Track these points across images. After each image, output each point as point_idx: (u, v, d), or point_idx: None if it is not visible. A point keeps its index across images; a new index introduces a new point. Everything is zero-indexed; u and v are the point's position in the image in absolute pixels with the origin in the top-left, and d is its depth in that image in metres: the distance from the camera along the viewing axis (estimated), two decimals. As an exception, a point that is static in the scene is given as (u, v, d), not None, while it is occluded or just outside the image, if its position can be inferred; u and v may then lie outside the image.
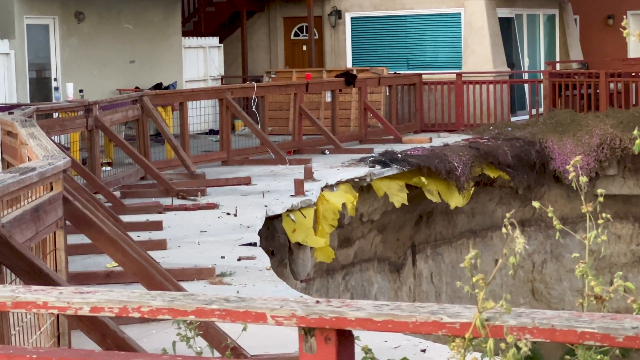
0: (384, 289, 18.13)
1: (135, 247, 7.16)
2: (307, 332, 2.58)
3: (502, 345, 2.18)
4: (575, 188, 17.99)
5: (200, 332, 3.82)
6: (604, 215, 2.75)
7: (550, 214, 2.73)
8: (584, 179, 2.80)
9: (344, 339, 2.58)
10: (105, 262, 10.07)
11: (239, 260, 10.47)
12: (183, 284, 8.29)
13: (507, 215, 2.43)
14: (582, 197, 2.72)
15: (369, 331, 2.50)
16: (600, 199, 2.76)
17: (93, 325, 5.12)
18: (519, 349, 2.13)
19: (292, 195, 14.15)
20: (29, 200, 5.77)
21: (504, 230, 2.48)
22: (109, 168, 16.48)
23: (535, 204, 2.75)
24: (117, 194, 14.29)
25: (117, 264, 9.21)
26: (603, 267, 20.82)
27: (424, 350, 6.90)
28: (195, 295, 2.75)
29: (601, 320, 2.28)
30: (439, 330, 2.39)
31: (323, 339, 2.56)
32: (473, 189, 18.67)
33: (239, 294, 2.78)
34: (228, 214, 13.13)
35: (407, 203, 17.29)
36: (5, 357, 2.86)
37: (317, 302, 2.61)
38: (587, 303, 2.51)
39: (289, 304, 2.61)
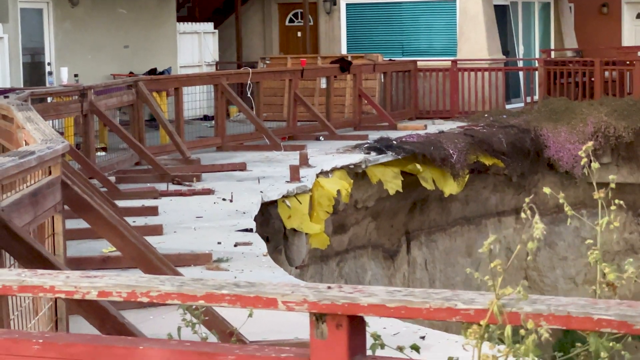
0: (378, 276, 18.12)
1: (133, 232, 7.13)
2: (318, 318, 2.55)
3: (522, 331, 2.16)
4: (569, 175, 17.88)
5: (206, 318, 3.79)
6: (616, 201, 2.72)
7: (561, 200, 2.70)
8: (595, 165, 2.78)
9: (356, 325, 2.55)
10: (100, 247, 10.03)
11: (235, 246, 10.44)
12: (180, 270, 8.26)
13: (527, 200, 2.40)
14: (594, 183, 2.70)
15: (379, 317, 2.47)
16: (612, 185, 2.73)
17: (93, 311, 5.09)
18: (539, 335, 2.11)
19: (288, 182, 14.12)
20: (27, 184, 5.73)
21: (522, 215, 2.45)
22: (103, 153, 16.42)
23: (546, 189, 2.72)
24: (112, 179, 14.24)
25: (113, 250, 9.19)
26: (596, 255, 20.83)
27: (423, 337, 6.89)
28: (204, 280, 2.72)
29: (617, 307, 2.25)
30: (453, 316, 2.37)
31: (334, 325, 2.53)
32: (468, 176, 18.65)
33: (247, 280, 2.75)
34: (224, 199, 13.10)
35: (401, 190, 17.26)
36: (10, 342, 2.84)
37: (329, 287, 2.58)
38: (600, 290, 2.49)
39: (300, 290, 2.58)
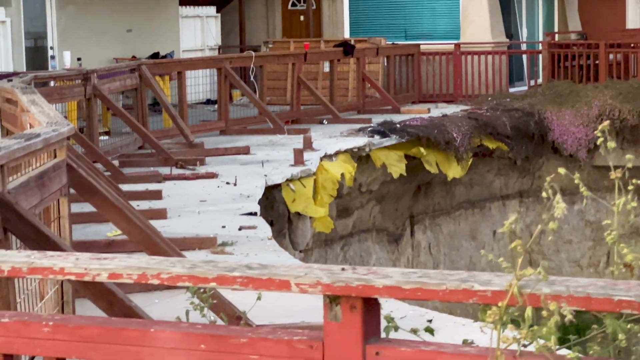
0: (382, 260, 18.10)
1: (138, 215, 7.11)
2: (332, 300, 2.52)
3: (544, 313, 2.12)
4: (574, 159, 17.78)
5: (214, 301, 3.76)
6: (634, 181, 2.68)
7: (577, 181, 2.66)
8: (611, 145, 2.74)
9: (370, 307, 2.52)
10: (105, 231, 10.01)
11: (240, 229, 10.41)
12: (185, 254, 8.23)
13: (547, 179, 2.36)
14: (611, 164, 2.66)
15: (396, 299, 2.44)
16: (630, 164, 2.69)
17: (100, 294, 5.06)
18: (562, 317, 2.08)
19: (292, 165, 14.08)
20: (33, 167, 5.70)
21: (544, 194, 2.42)
22: (106, 137, 16.38)
23: (561, 170, 2.68)
24: (116, 163, 14.21)
25: (118, 233, 9.17)
26: (601, 238, 20.81)
27: (430, 321, 6.86)
28: (215, 262, 2.69)
29: (638, 288, 2.22)
30: (470, 298, 2.33)
31: (348, 307, 2.50)
32: (471, 159, 18.62)
33: (260, 263, 2.72)
34: (227, 183, 13.06)
35: (405, 174, 17.23)
36: (20, 324, 2.80)
37: (343, 269, 2.55)
38: (618, 271, 2.46)
39: (314, 272, 2.54)
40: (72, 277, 2.71)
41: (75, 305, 6.42)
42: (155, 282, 2.66)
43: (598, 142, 2.70)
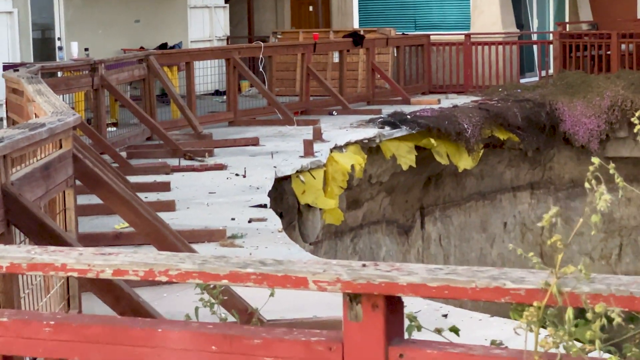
0: (392, 252, 17.94)
1: (146, 207, 6.94)
2: (352, 298, 2.35)
3: (589, 315, 1.95)
4: (585, 150, 17.57)
5: (225, 297, 3.60)
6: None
7: (611, 171, 2.49)
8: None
9: (393, 306, 2.35)
10: (113, 223, 9.86)
11: (249, 222, 10.25)
12: (193, 246, 8.07)
13: (591, 168, 2.19)
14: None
15: (422, 298, 2.27)
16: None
17: (106, 288, 4.90)
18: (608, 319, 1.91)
19: (301, 156, 13.91)
20: (38, 158, 5.54)
21: (586, 185, 2.25)
22: (114, 129, 16.23)
23: (595, 159, 2.51)
24: (123, 154, 14.06)
25: (125, 225, 9.01)
26: (613, 230, 20.63)
27: (445, 316, 6.69)
28: (227, 258, 2.52)
29: (685, 286, 2.05)
30: (502, 297, 2.17)
31: (370, 305, 2.33)
32: (482, 151, 18.44)
33: (273, 257, 2.55)
34: (237, 174, 12.90)
35: (414, 165, 17.06)
36: (20, 323, 2.65)
37: (364, 265, 2.38)
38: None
39: (333, 268, 2.38)
40: (75, 274, 2.55)
41: (82, 299, 6.27)
42: (164, 279, 2.49)
43: (636, 130, 2.52)
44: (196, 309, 3.43)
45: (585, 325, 1.94)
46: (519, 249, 2.64)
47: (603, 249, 20.59)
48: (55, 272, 2.58)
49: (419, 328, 2.57)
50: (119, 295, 4.84)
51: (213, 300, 3.36)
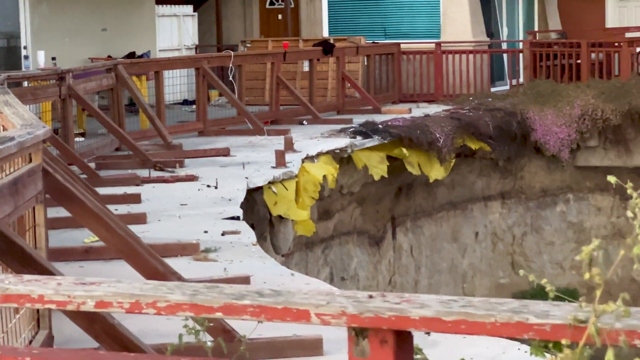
0: (364, 263, 17.77)
1: (118, 222, 6.72)
2: (359, 333, 2.16)
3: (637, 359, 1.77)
4: (556, 159, 17.46)
5: (211, 324, 3.39)
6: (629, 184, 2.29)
7: (629, 191, 2.31)
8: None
9: (403, 341, 2.16)
10: (82, 237, 9.61)
11: (223, 235, 10.03)
12: (166, 261, 7.84)
13: (629, 187, 2.01)
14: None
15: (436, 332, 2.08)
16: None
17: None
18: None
19: (273, 167, 13.71)
20: (6, 173, 5.31)
21: (628, 213, 2.06)
22: (81, 139, 15.97)
23: (611, 178, 2.33)
24: (92, 165, 13.80)
25: (95, 239, 8.77)
26: (583, 239, 20.55)
27: (428, 333, 6.52)
28: (221, 288, 2.32)
29: None
30: (524, 333, 1.98)
31: (378, 341, 2.14)
32: (454, 160, 18.31)
33: (272, 288, 2.35)
34: (208, 186, 12.68)
35: (386, 175, 16.90)
36: (-7, 360, 2.44)
37: (370, 296, 2.19)
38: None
39: (337, 299, 2.19)
40: (53, 306, 2.34)
41: (52, 318, 6.04)
42: (152, 311, 2.29)
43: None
44: (180, 336, 3.22)
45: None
46: (530, 275, 2.46)
47: (574, 259, 20.51)
48: (31, 304, 2.37)
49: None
50: (93, 318, 4.62)
51: (198, 327, 3.16)
